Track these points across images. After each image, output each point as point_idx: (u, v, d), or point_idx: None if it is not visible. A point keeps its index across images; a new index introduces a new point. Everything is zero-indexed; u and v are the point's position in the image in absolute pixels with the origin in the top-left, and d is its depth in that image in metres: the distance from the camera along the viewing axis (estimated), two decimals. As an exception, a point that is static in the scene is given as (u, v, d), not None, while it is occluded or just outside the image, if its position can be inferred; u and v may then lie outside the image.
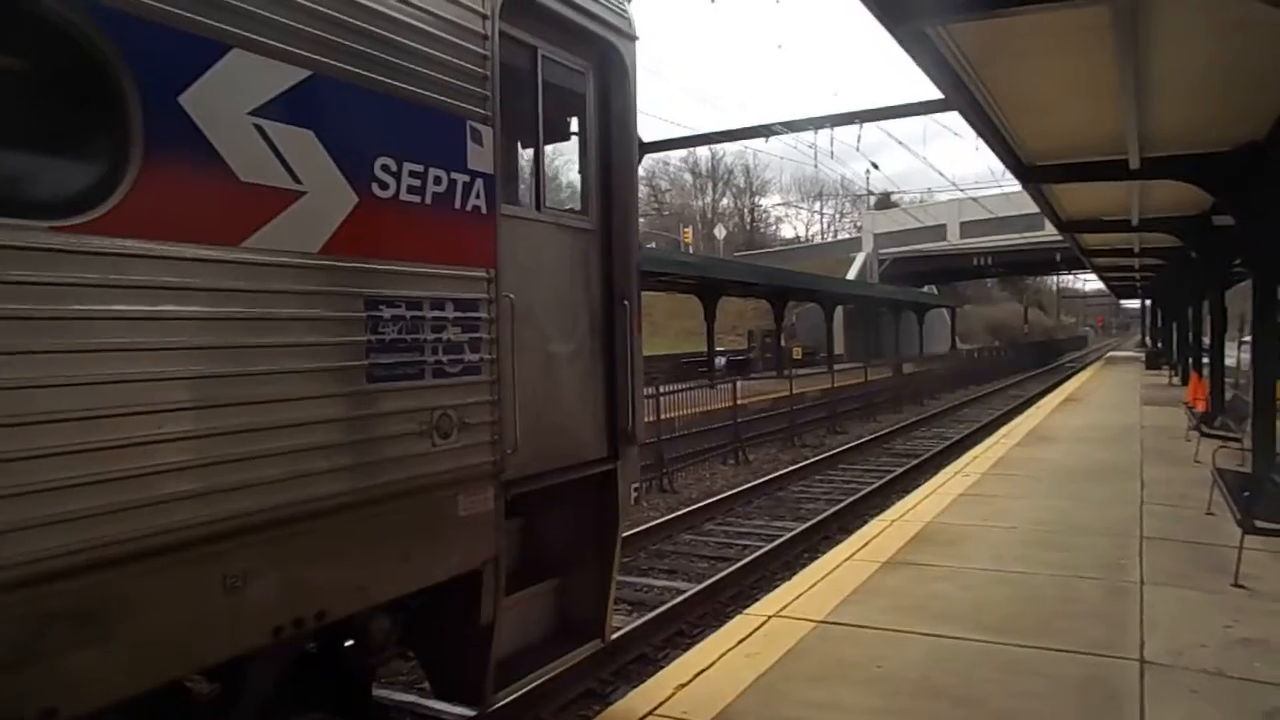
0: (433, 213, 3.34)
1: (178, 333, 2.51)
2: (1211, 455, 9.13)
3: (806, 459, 17.10)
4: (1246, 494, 6.64)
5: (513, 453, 3.73)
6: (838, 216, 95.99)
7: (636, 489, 4.95)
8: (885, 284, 56.31)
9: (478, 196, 3.53)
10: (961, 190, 45.72)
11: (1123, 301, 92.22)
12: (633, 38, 4.58)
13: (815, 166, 42.02)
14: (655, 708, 4.38)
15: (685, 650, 6.07)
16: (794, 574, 7.76)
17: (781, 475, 15.17)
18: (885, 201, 72.55)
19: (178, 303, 2.51)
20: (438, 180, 3.34)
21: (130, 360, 2.40)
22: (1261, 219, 9.66)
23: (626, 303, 4.60)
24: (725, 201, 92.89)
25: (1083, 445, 13.73)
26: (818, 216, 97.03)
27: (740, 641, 5.26)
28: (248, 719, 3.25)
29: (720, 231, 77.12)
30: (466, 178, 3.48)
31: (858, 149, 33.86)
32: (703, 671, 4.82)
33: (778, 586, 7.40)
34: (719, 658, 5.02)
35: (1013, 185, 46.16)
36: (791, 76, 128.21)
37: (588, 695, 6.14)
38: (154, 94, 2.44)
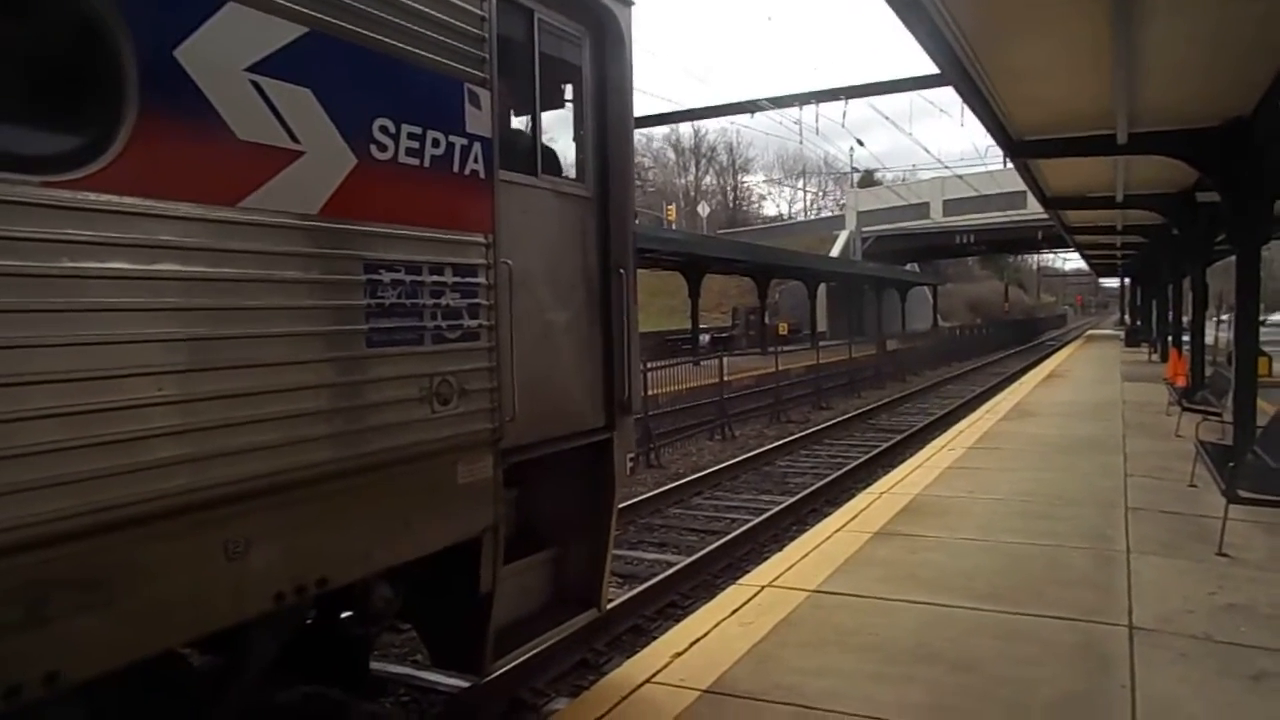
0: (431, 176, 3.31)
1: (175, 293, 2.48)
2: (1195, 428, 9.26)
3: (792, 434, 17.18)
4: (1230, 466, 6.73)
5: (511, 421, 3.71)
6: (821, 194, 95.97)
7: (631, 459, 4.92)
8: (868, 262, 56.44)
9: (475, 160, 3.50)
10: (947, 167, 45.83)
11: (1101, 280, 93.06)
12: (629, 3, 4.54)
13: (800, 143, 42.01)
14: (652, 676, 4.40)
15: (679, 621, 6.10)
16: (784, 546, 7.81)
17: (768, 450, 15.24)
18: (869, 179, 72.68)
19: (176, 262, 2.48)
20: (436, 143, 3.31)
21: (127, 320, 2.37)
22: (1246, 194, 9.70)
23: (622, 271, 4.56)
24: (708, 179, 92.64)
25: (1066, 420, 13.87)
26: (801, 194, 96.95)
27: (734, 611, 5.29)
28: (250, 686, 3.26)
29: (703, 209, 76.83)
30: (464, 141, 3.44)
31: (843, 126, 33.81)
32: (698, 640, 4.84)
33: (768, 558, 7.45)
34: (714, 627, 5.04)
35: (996, 163, 46.37)
36: (779, 50, 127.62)
37: (582, 665, 6.16)
38: (149, 47, 2.39)
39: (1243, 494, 6.45)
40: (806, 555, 6.45)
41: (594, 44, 4.44)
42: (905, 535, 6.96)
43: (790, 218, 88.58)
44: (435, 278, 3.33)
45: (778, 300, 47.84)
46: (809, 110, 33.86)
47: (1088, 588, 5.59)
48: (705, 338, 36.59)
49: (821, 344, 29.61)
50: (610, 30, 4.46)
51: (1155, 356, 28.42)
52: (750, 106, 32.73)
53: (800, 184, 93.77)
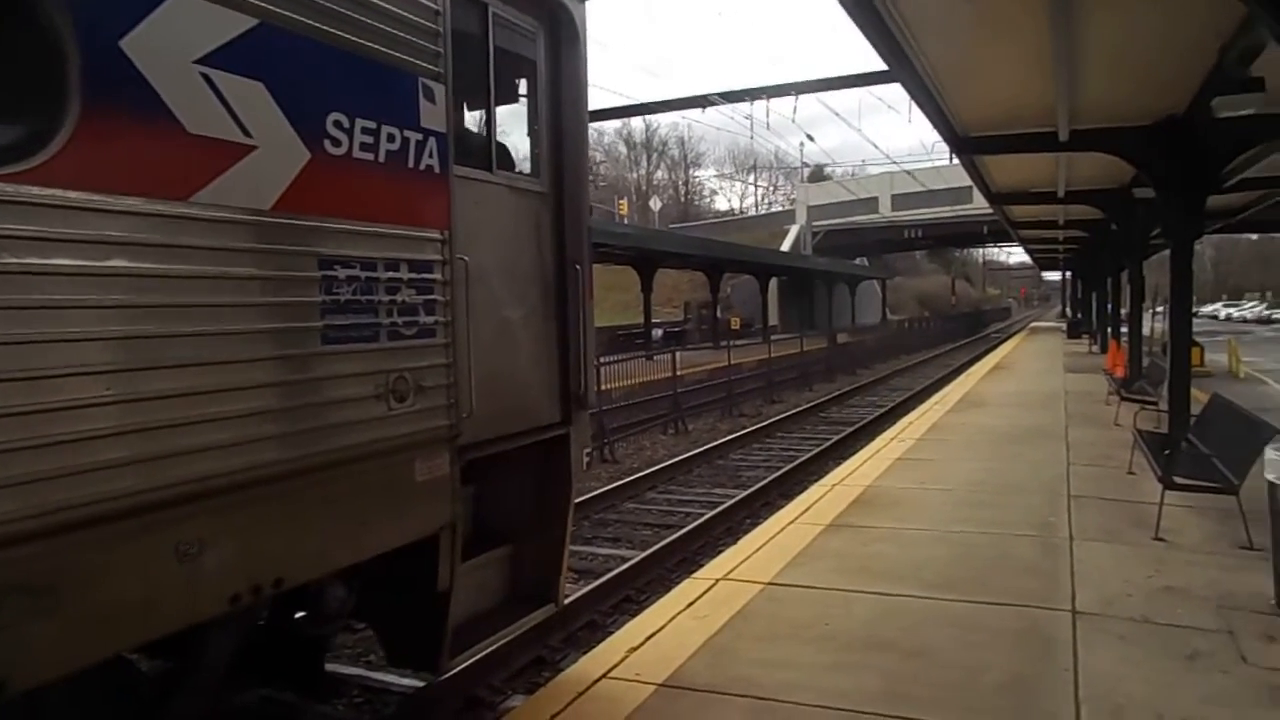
0: (386, 171, 3.28)
1: (124, 290, 2.41)
2: (1134, 418, 9.54)
3: (745, 428, 17.31)
4: (1166, 453, 6.96)
5: (468, 417, 3.69)
6: (772, 189, 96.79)
7: (588, 454, 4.92)
8: (819, 256, 57.11)
9: (431, 156, 3.48)
10: (895, 163, 46.51)
11: (1044, 274, 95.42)
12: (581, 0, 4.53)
13: (751, 138, 42.24)
14: (608, 671, 4.40)
15: (635, 616, 6.10)
16: (738, 539, 7.87)
17: (721, 444, 15.33)
18: (819, 174, 73.45)
19: (124, 258, 2.41)
20: (390, 138, 3.28)
21: (73, 318, 2.30)
22: (1179, 190, 10.03)
23: (578, 266, 4.57)
24: (660, 174, 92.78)
25: (1011, 410, 14.21)
26: (752, 189, 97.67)
27: (689, 605, 5.32)
28: (205, 690, 3.22)
29: (655, 203, 76.98)
30: (419, 136, 3.42)
31: (793, 121, 34.11)
32: (654, 635, 4.85)
33: (722, 552, 7.49)
34: (669, 621, 5.06)
35: (943, 159, 47.21)
36: (731, 45, 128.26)
37: (538, 662, 6.14)
38: (94, 36, 2.33)
39: (1178, 480, 6.67)
40: (760, 548, 6.51)
41: (549, 38, 4.42)
42: (857, 527, 7.06)
43: (742, 212, 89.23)
44: (391, 274, 3.29)
45: (730, 295, 48.13)
46: (760, 105, 34.03)
47: (1033, 575, 5.74)
48: (658, 332, 36.68)
49: (773, 338, 29.87)
50: (565, 25, 4.45)
51: (1095, 348, 29.24)
52: (702, 101, 32.80)
53: (751, 179, 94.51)
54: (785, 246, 58.06)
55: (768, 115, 33.94)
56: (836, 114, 39.57)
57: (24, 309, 2.19)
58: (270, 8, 2.79)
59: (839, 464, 10.95)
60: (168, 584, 2.57)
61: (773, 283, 45.18)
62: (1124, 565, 5.89)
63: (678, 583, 6.48)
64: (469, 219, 3.75)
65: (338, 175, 3.07)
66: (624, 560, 8.35)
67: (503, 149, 4.24)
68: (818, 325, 46.14)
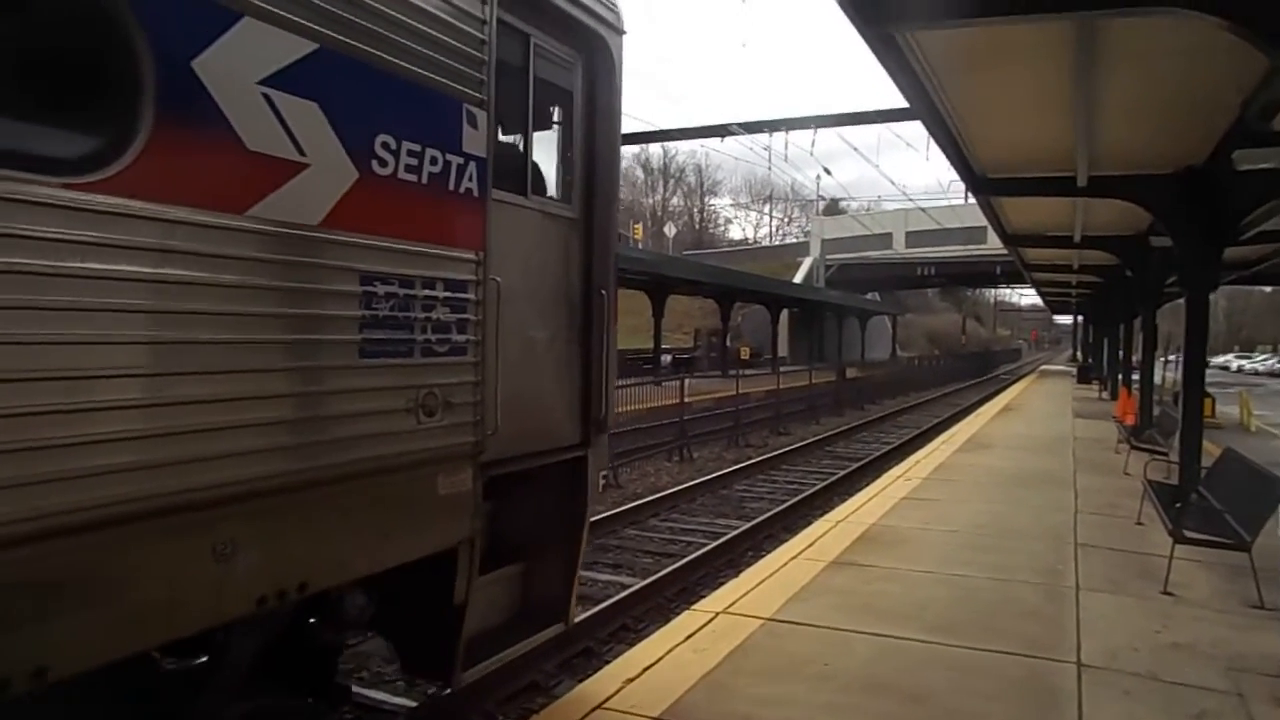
0: (427, 193, 3.36)
1: (175, 297, 2.49)
2: (1144, 468, 9.44)
3: (750, 459, 17.23)
4: (1177, 506, 6.87)
5: (492, 435, 3.73)
6: (786, 220, 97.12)
7: (604, 476, 4.90)
8: (831, 289, 57.14)
9: (470, 179, 3.55)
10: (911, 199, 46.65)
11: (1056, 317, 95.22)
12: (621, 31, 4.64)
13: (768, 169, 42.48)
14: (603, 701, 4.34)
15: (632, 645, 6.04)
16: (739, 571, 7.80)
17: (726, 474, 15.25)
18: (834, 208, 73.72)
19: (181, 267, 2.50)
20: (434, 161, 3.36)
21: (129, 322, 2.38)
22: (1197, 241, 10.00)
23: (604, 292, 4.63)
24: (676, 200, 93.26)
25: (1019, 453, 14.10)
26: (767, 219, 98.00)
27: (688, 637, 5.25)
28: (228, 689, 3.27)
29: (670, 229, 77.34)
30: (461, 160, 3.50)
31: (811, 154, 34.27)
32: (651, 666, 4.79)
33: (723, 583, 7.43)
34: (667, 653, 5.00)
35: (958, 197, 47.32)
36: (753, 76, 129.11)
37: (532, 688, 6.07)
38: (168, 58, 2.44)
39: (1188, 534, 6.58)
40: (762, 582, 6.44)
41: (586, 69, 4.54)
42: (860, 565, 6.99)
43: (755, 242, 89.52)
44: (427, 292, 3.37)
45: (740, 324, 48.16)
46: (779, 137, 34.29)
47: (1038, 622, 5.65)
48: (667, 358, 36.66)
49: (782, 369, 29.81)
50: (602, 56, 4.56)
51: (1105, 394, 29.08)
52: (721, 131, 33.07)
53: (766, 209, 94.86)
54: (798, 278, 58.13)
55: (786, 147, 34.17)
56: (855, 149, 39.75)
57: (86, 311, 2.27)
58: (329, 33, 2.90)
59: (844, 500, 10.87)
60: (203, 582, 2.64)
61: (784, 314, 45.19)
62: (1131, 618, 5.80)
63: (677, 613, 6.42)
64: (502, 241, 3.81)
65: (382, 195, 3.15)
66: (624, 587, 8.28)
67: (537, 174, 4.31)
68: (827, 358, 46.08)
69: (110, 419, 2.32)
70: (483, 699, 5.66)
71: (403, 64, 3.20)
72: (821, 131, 31.92)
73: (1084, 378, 37.66)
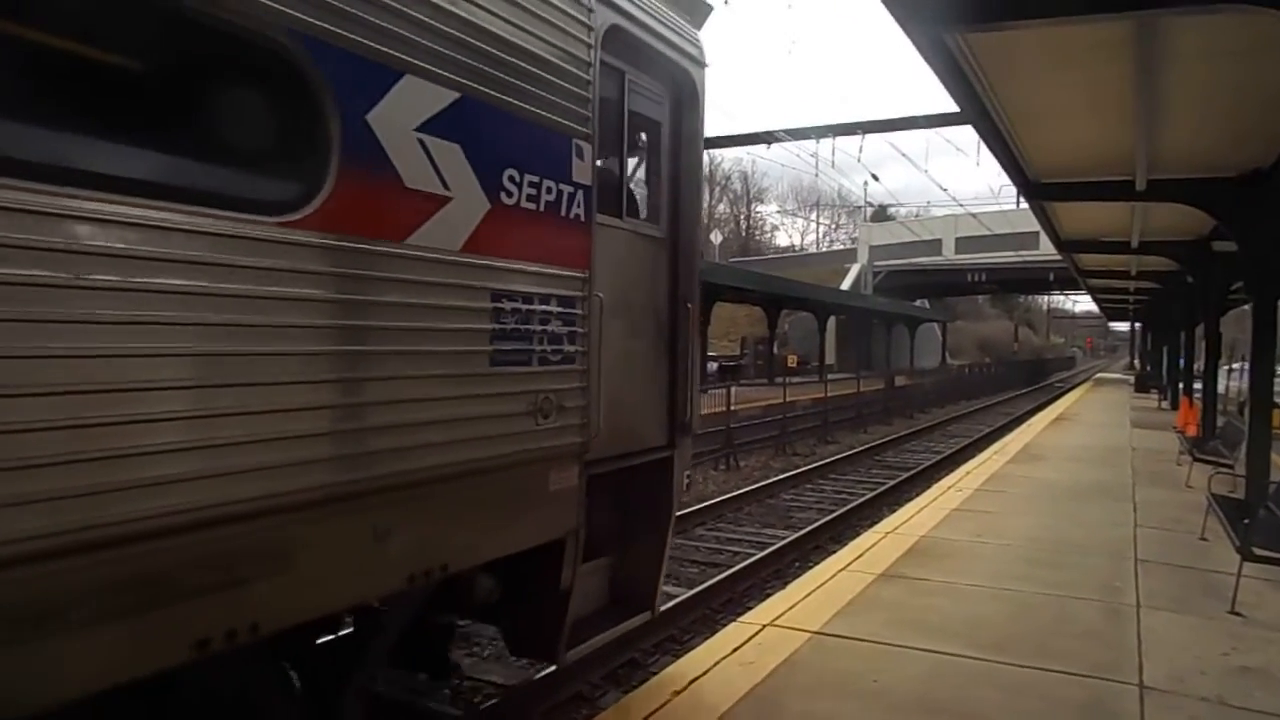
0: (543, 219, 3.76)
1: (347, 315, 2.89)
2: (1208, 481, 9.11)
3: (798, 467, 17.06)
4: (1245, 521, 6.61)
5: (595, 436, 4.12)
6: (834, 227, 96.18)
7: (688, 476, 5.48)
8: (879, 296, 56.41)
9: (578, 205, 3.96)
10: (961, 205, 45.87)
11: (1112, 324, 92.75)
12: (703, 65, 5.04)
13: (815, 176, 42.13)
14: (650, 714, 4.30)
15: (677, 657, 6.00)
16: (786, 583, 7.71)
17: (773, 483, 15.11)
18: (881, 214, 72.84)
19: (359, 291, 2.91)
20: (548, 190, 3.77)
21: (312, 338, 2.78)
22: (1264, 245, 9.65)
23: (688, 305, 5.04)
24: (722, 207, 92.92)
25: (1075, 464, 13.73)
26: (814, 226, 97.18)
27: (735, 650, 5.19)
28: (381, 658, 3.77)
29: (716, 237, 77.06)
30: (570, 188, 3.91)
31: (859, 160, 33.94)
32: (697, 679, 4.74)
33: (769, 594, 7.35)
34: (714, 665, 4.94)
35: (1010, 203, 46.44)
36: (800, 82, 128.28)
37: (577, 699, 6.05)
38: (351, 114, 2.86)
39: (1257, 551, 6.33)
40: (809, 594, 6.35)
41: (672, 100, 4.95)
42: (910, 578, 6.85)
43: (802, 249, 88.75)
44: (543, 308, 3.77)
45: (787, 331, 47.77)
46: (825, 143, 33.97)
47: (1096, 642, 5.47)
48: (713, 366, 36.50)
49: (829, 377, 29.49)
50: (686, 88, 4.97)
51: (1165, 404, 28.22)
52: (767, 138, 32.85)
53: (814, 216, 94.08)
54: (845, 285, 57.49)
55: (833, 153, 33.83)
56: (903, 154, 39.21)
57: (282, 327, 2.67)
58: (468, 83, 3.32)
59: (893, 510, 10.70)
60: (367, 559, 3.05)
61: (831, 321, 44.72)
62: (1196, 639, 5.59)
63: (723, 625, 6.35)
64: (602, 260, 4.18)
65: (508, 222, 3.55)
66: (670, 598, 8.22)
67: (630, 197, 4.72)
68: (875, 366, 45.47)
69: (302, 419, 2.73)
70: (527, 708, 5.65)
71: (524, 105, 3.62)
72: (869, 137, 31.54)
73: (1142, 386, 36.60)
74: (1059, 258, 24.35)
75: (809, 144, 33.79)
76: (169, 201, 2.39)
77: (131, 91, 2.53)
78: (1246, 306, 10.23)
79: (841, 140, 32.56)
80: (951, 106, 8.47)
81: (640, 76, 4.61)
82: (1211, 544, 8.05)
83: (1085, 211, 13.98)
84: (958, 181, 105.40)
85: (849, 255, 67.89)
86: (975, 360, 61.97)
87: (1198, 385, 19.45)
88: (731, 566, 9.40)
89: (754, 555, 9.91)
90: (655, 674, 5.06)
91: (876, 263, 61.64)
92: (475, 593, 3.97)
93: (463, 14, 3.30)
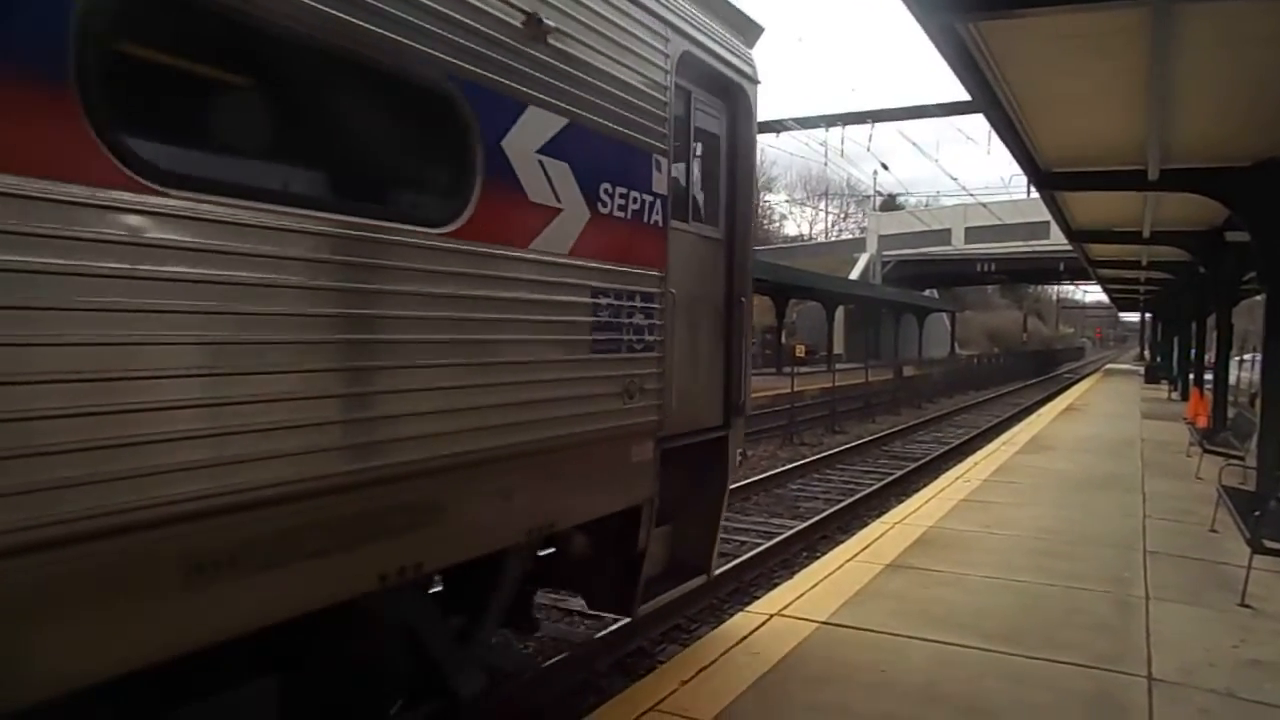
0: (629, 225, 4.32)
1: (484, 309, 3.43)
2: (1218, 473, 9.06)
3: (805, 457, 17.02)
4: (1256, 514, 6.57)
5: (667, 415, 4.66)
6: (843, 217, 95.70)
7: (741, 453, 6.01)
8: (888, 286, 56.21)
9: (657, 212, 4.51)
10: (971, 195, 45.61)
11: (1122, 314, 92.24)
12: (756, 81, 5.57)
13: (824, 165, 41.95)
14: (657, 703, 4.30)
15: (684, 646, 6.01)
16: (793, 573, 7.71)
17: (780, 473, 15.08)
18: (891, 203, 72.42)
19: (485, 289, 3.44)
20: (634, 200, 4.32)
21: (469, 328, 3.37)
22: (1277, 235, 9.55)
23: (743, 299, 5.57)
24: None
25: (1084, 455, 13.68)
26: (823, 215, 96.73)
27: (742, 640, 5.19)
28: (506, 600, 4.36)
29: (724, 226, 76.68)
30: (651, 198, 4.45)
31: (868, 149, 33.76)
32: (705, 668, 4.74)
33: (776, 584, 7.35)
34: (721, 655, 4.94)
35: (1020, 192, 46.14)
36: (809, 70, 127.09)
37: (584, 687, 6.06)
38: (491, 141, 3.42)
39: (1268, 544, 6.29)
40: (816, 585, 6.34)
41: (729, 115, 5.49)
42: (917, 569, 6.84)
43: (811, 238, 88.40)
44: (629, 303, 4.32)
45: (795, 320, 47.66)
46: (834, 132, 33.81)
47: (1105, 634, 5.45)
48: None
49: (837, 367, 29.42)
50: (741, 103, 5.50)
51: (1175, 395, 28.09)
52: (777, 126, 32.72)
53: (822, 205, 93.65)
54: (854, 275, 57.28)
55: (842, 143, 33.66)
56: (914, 144, 39.06)
57: (443, 319, 3.25)
58: (575, 110, 3.86)
59: (900, 501, 10.68)
60: (498, 512, 3.65)
61: (840, 311, 44.59)
62: (1206, 631, 5.56)
63: (730, 614, 6.35)
64: (674, 260, 4.70)
65: (603, 229, 4.09)
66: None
67: (694, 203, 5.21)
68: (883, 356, 45.35)
69: (452, 396, 3.29)
70: (536, 695, 5.67)
71: (616, 127, 4.16)
72: (879, 126, 31.39)
73: (1152, 377, 36.45)
74: (1069, 248, 24.18)
75: (818, 133, 33.65)
76: (376, 220, 3.01)
77: (350, 134, 3.23)
78: (1259, 297, 10.13)
79: (851, 129, 32.42)
80: (962, 95, 8.40)
81: (704, 94, 5.14)
82: (1221, 536, 8.01)
83: (1097, 201, 13.87)
84: (968, 171, 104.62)
85: (858, 245, 67.59)
86: (984, 350, 61.73)
87: (1208, 376, 19.35)
88: (738, 556, 9.40)
89: (761, 545, 9.90)
90: (662, 663, 5.05)
91: (885, 252, 61.40)
92: (573, 549, 4.59)
93: (572, 51, 3.85)
